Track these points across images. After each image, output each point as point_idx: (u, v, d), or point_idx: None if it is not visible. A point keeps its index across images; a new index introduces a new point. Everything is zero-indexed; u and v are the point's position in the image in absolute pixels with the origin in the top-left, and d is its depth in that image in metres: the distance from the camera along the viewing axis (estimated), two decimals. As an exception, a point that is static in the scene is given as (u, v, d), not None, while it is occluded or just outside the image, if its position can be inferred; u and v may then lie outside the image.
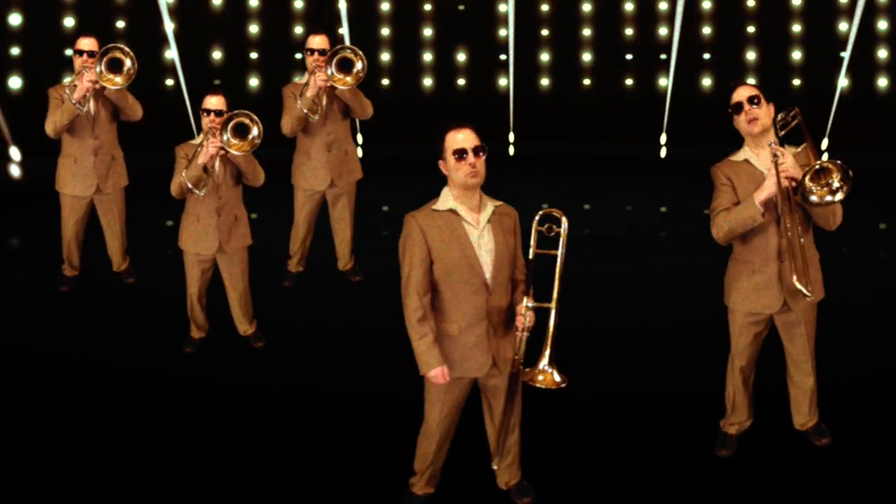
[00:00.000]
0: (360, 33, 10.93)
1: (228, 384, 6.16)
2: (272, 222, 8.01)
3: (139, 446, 5.48)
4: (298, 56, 11.05)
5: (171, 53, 10.74)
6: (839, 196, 4.75)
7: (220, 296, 6.51)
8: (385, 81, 11.27)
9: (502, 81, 11.33)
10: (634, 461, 5.31)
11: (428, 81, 11.40)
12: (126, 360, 6.41)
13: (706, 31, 11.31)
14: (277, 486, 5.16)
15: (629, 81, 11.37)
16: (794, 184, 4.84)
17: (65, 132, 6.89)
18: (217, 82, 10.91)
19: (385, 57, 11.31)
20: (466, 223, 4.53)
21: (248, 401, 5.97)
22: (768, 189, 4.84)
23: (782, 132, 5.20)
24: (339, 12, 10.86)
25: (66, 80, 6.93)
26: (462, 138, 4.47)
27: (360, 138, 9.87)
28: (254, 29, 11.17)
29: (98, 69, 6.56)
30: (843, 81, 10.83)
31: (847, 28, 10.97)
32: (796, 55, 11.27)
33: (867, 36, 10.99)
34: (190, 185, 6.00)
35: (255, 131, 5.93)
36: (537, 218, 4.60)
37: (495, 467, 4.90)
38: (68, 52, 10.34)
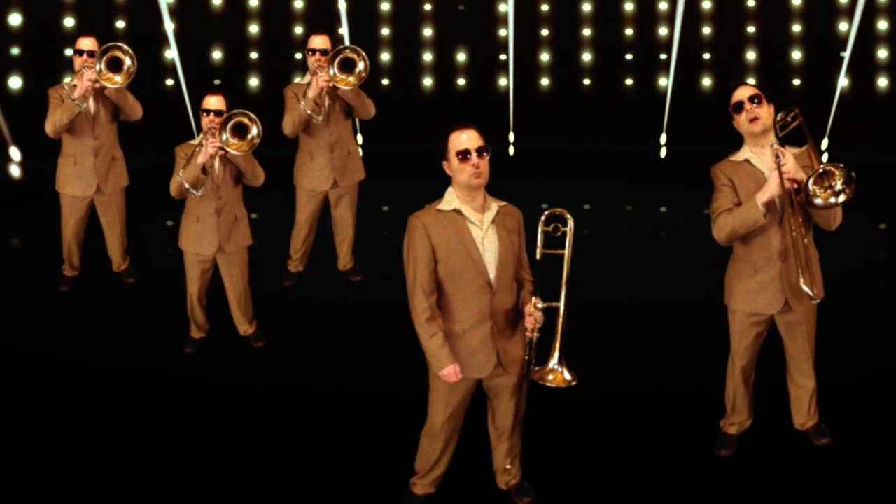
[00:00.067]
0: (360, 33, 10.93)
1: (228, 384, 6.16)
2: (272, 222, 8.01)
3: (139, 446, 5.48)
4: (298, 56, 11.05)
5: (171, 53, 10.73)
6: (842, 198, 4.76)
7: (220, 296, 6.51)
8: (385, 81, 11.26)
9: (502, 81, 11.32)
10: (634, 461, 5.31)
11: (428, 81, 11.40)
12: (126, 360, 6.41)
13: (706, 31, 11.31)
14: (277, 487, 5.16)
15: (629, 81, 11.37)
16: (796, 185, 4.85)
17: (65, 132, 6.89)
18: (217, 82, 10.91)
19: (385, 57, 11.30)
20: (471, 223, 4.54)
21: (248, 401, 5.97)
22: (771, 190, 4.84)
23: (782, 133, 5.20)
24: (339, 12, 10.86)
25: (66, 79, 6.92)
26: (466, 139, 4.47)
27: (359, 138, 9.87)
28: (254, 29, 11.17)
29: (98, 67, 6.56)
30: (843, 81, 10.83)
31: (847, 28, 10.97)
32: (796, 55, 11.27)
33: (867, 36, 10.99)
34: (188, 185, 6.00)
35: (254, 131, 5.93)
36: (543, 218, 4.60)
37: (508, 466, 4.91)
38: (68, 52, 10.37)
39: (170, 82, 10.81)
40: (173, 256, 6.54)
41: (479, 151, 4.47)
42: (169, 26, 10.70)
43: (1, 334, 6.77)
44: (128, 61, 6.60)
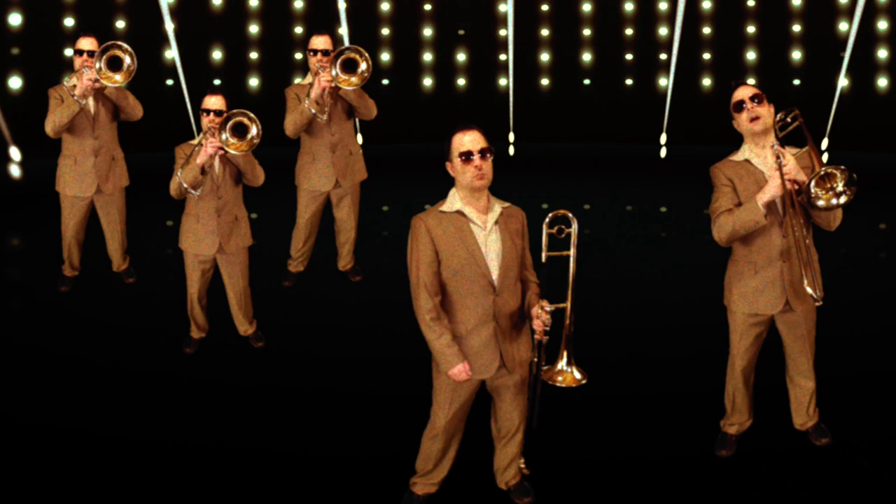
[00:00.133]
0: (360, 33, 10.92)
1: (228, 384, 6.16)
2: (272, 222, 8.02)
3: (139, 446, 5.48)
4: (299, 56, 11.05)
5: (171, 53, 10.73)
6: (843, 199, 4.76)
7: (220, 296, 6.52)
8: (385, 81, 11.26)
9: (502, 81, 11.32)
10: (634, 461, 5.31)
11: (428, 81, 11.40)
12: (126, 360, 6.41)
13: (706, 31, 11.30)
14: (277, 486, 5.16)
15: (629, 81, 11.37)
16: (796, 186, 4.85)
17: (65, 132, 6.89)
18: (217, 82, 10.91)
19: (385, 57, 11.30)
20: (474, 224, 4.54)
21: (248, 401, 5.97)
22: (771, 191, 4.84)
23: (782, 133, 5.20)
24: (339, 12, 10.86)
25: (66, 79, 6.92)
26: (468, 140, 4.47)
27: (359, 138, 9.87)
28: (254, 29, 11.16)
29: (98, 66, 6.56)
30: (843, 81, 10.83)
31: (847, 28, 10.96)
32: (796, 55, 11.26)
33: (867, 36, 10.98)
34: (186, 185, 6.00)
35: (253, 131, 5.93)
36: (547, 220, 4.60)
37: (521, 465, 4.91)
38: (68, 52, 10.37)
39: (170, 82, 10.81)
40: (173, 256, 6.55)
41: (482, 153, 4.46)
42: (169, 26, 10.70)
43: (1, 334, 6.77)
44: (128, 60, 6.60)
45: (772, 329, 5.22)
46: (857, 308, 6.89)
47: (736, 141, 5.16)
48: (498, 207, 4.60)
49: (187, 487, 5.15)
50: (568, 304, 4.57)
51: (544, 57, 11.41)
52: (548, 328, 4.49)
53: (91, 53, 6.76)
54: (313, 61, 6.88)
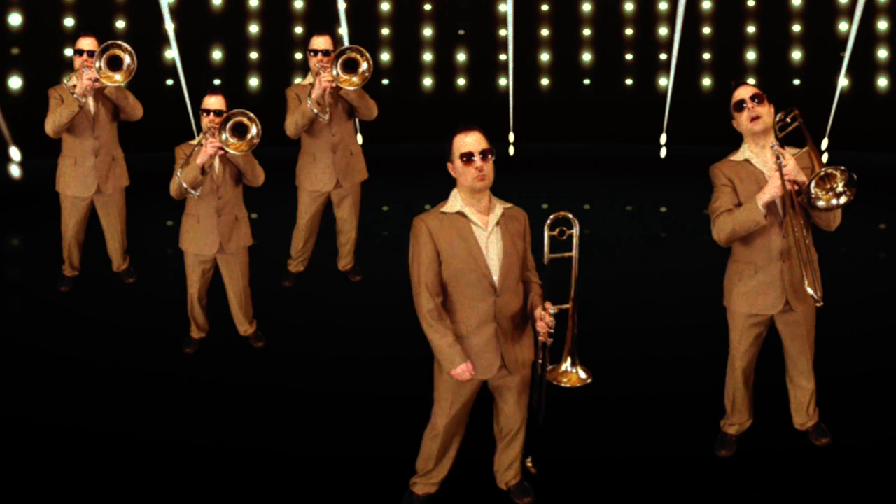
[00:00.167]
0: (360, 33, 10.92)
1: (228, 384, 6.16)
2: (272, 222, 8.02)
3: (139, 446, 5.48)
4: (299, 56, 11.04)
5: (171, 53, 10.73)
6: (843, 200, 4.77)
7: (220, 296, 6.52)
8: (385, 81, 11.26)
9: (502, 81, 11.32)
10: (634, 461, 5.31)
11: (428, 81, 11.40)
12: (126, 360, 6.41)
13: (706, 31, 11.30)
14: (277, 486, 5.15)
15: (629, 81, 11.36)
16: (796, 186, 4.85)
17: (65, 132, 6.89)
18: (217, 82, 10.90)
19: (385, 57, 11.30)
20: (475, 225, 4.54)
21: (248, 401, 5.97)
22: (771, 191, 4.84)
23: (782, 133, 5.20)
24: (338, 12, 10.86)
25: (66, 79, 6.92)
26: (470, 141, 4.46)
27: (360, 138, 9.87)
28: (254, 29, 11.16)
29: (97, 65, 6.55)
30: (843, 81, 10.83)
31: (847, 28, 10.96)
32: (796, 55, 11.26)
33: (867, 36, 10.98)
34: (186, 185, 6.00)
35: (253, 131, 5.93)
36: (549, 222, 4.60)
37: (529, 464, 4.92)
38: (68, 52, 10.37)
39: (170, 82, 10.81)
40: (173, 256, 6.55)
41: (483, 154, 4.46)
42: (169, 26, 10.70)
43: (1, 334, 6.77)
44: (127, 59, 6.60)
45: (772, 329, 5.21)
46: (857, 308, 6.89)
47: (736, 141, 5.16)
48: (499, 208, 4.60)
49: (187, 487, 5.16)
50: (570, 306, 4.57)
51: (544, 57, 11.41)
52: (552, 330, 4.49)
53: (91, 53, 6.75)
54: (314, 62, 6.88)
